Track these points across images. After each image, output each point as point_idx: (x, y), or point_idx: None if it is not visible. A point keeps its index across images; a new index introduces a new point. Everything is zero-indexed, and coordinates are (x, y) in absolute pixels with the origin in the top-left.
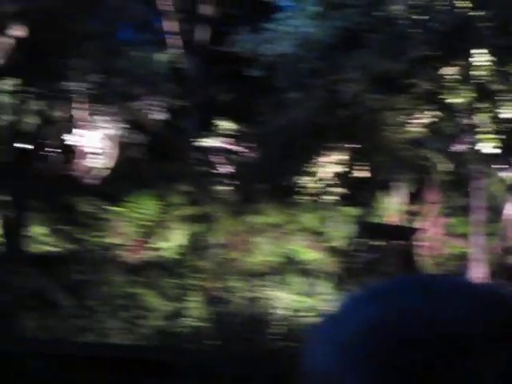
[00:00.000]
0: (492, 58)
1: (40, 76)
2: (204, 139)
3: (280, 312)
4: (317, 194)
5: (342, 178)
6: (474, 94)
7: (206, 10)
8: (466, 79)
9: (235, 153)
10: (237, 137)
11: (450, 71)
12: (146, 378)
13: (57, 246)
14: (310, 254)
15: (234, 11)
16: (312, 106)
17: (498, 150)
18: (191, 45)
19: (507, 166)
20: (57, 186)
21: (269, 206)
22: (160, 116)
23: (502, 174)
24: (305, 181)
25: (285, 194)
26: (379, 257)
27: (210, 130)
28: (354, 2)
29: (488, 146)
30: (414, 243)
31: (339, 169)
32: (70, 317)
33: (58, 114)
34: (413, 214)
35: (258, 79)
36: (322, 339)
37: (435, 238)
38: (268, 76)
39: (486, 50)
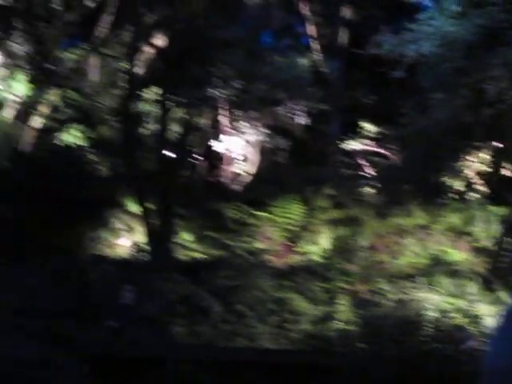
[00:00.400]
0: None
1: (183, 84)
2: (347, 142)
3: (429, 313)
4: (462, 194)
5: (488, 177)
6: None
7: (347, 13)
8: None
9: (379, 155)
10: (380, 139)
11: None
12: (297, 382)
13: (204, 253)
14: (457, 254)
15: (375, 13)
16: (456, 106)
17: None
18: (333, 48)
19: None
20: (203, 193)
21: (414, 207)
22: (302, 120)
23: None
24: (450, 181)
25: (430, 195)
26: None
27: (353, 133)
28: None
29: None
30: None
31: (484, 168)
32: (219, 322)
33: (201, 121)
34: None
35: (401, 80)
36: (500, 337)
37: None
38: (410, 77)
39: None
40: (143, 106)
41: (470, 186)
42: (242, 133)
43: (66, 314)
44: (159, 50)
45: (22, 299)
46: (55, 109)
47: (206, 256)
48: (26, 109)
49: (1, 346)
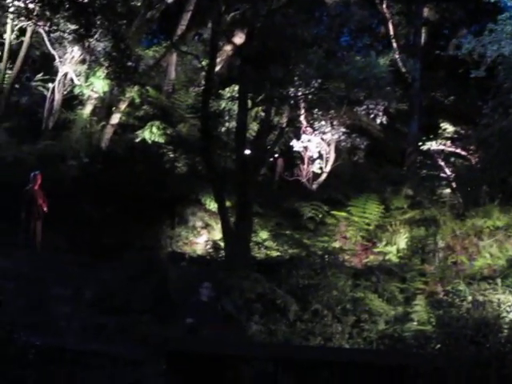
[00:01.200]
0: None
1: (262, 82)
2: (426, 142)
3: (506, 315)
4: None
5: None
6: None
7: (427, 13)
8: None
9: (458, 155)
10: (459, 139)
11: None
12: (372, 382)
13: (281, 251)
14: None
15: (455, 13)
16: None
17: None
18: (412, 48)
19: None
20: (280, 191)
21: (493, 208)
22: (381, 120)
23: None
24: None
25: (509, 196)
26: None
27: (431, 133)
28: None
29: None
30: None
31: None
32: (294, 321)
33: (280, 119)
34: None
35: (480, 81)
36: None
37: None
38: (490, 77)
39: None
40: (222, 104)
41: None
42: (320, 132)
43: (145, 310)
44: (238, 47)
45: (101, 296)
46: (134, 106)
47: (282, 254)
48: (105, 105)
49: (80, 342)
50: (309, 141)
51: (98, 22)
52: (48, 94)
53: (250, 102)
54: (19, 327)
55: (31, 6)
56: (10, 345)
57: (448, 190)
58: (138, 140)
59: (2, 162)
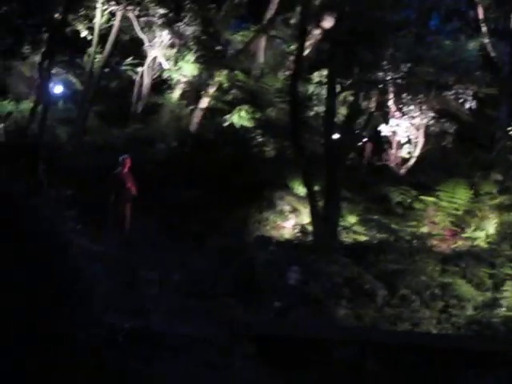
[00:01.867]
0: None
1: (350, 66)
2: None
3: None
4: None
5: None
6: None
7: None
8: None
9: None
10: None
11: None
12: (461, 369)
13: (369, 236)
14: None
15: None
16: None
17: None
18: (502, 32)
19: None
20: (369, 176)
21: None
22: (470, 104)
23: None
24: None
25: None
26: None
27: None
28: None
29: None
30: None
31: None
32: (382, 305)
33: (369, 104)
34: None
35: None
36: None
37: None
38: None
39: None
40: (310, 89)
41: None
42: (409, 116)
43: (232, 294)
44: (327, 31)
45: (188, 279)
46: (223, 90)
47: (370, 239)
48: (194, 90)
49: (168, 325)
50: (397, 125)
51: (187, 7)
52: (137, 79)
53: (338, 87)
54: (108, 310)
55: None
56: (100, 327)
57: None
58: (226, 124)
59: (92, 146)
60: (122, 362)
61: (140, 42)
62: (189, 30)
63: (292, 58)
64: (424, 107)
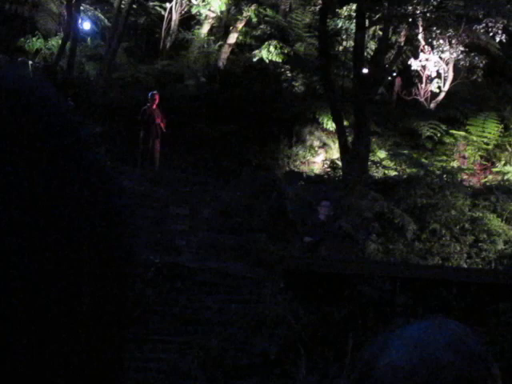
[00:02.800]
0: None
1: (379, 1)
2: None
3: None
4: None
5: None
6: None
7: None
8: None
9: None
10: None
11: None
12: (492, 303)
13: (399, 171)
14: None
15: None
16: None
17: None
18: None
19: None
20: (398, 111)
21: None
22: (500, 38)
23: None
24: None
25: None
26: None
27: None
28: None
29: None
30: None
31: None
32: (413, 240)
33: (398, 38)
34: None
35: None
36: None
37: None
38: None
39: None
40: (339, 23)
41: None
42: (439, 50)
43: (262, 229)
44: None
45: (218, 215)
46: (251, 25)
47: (400, 174)
48: (223, 25)
49: (198, 260)
50: (427, 60)
51: None
52: (165, 14)
53: (367, 21)
54: (139, 245)
55: None
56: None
57: None
58: (255, 59)
59: (121, 82)
60: (154, 297)
61: None
62: None
63: None
64: (453, 41)
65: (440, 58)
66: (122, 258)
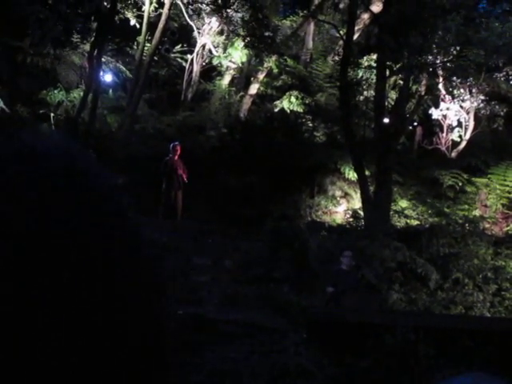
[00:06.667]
0: None
1: (400, 50)
2: None
3: None
4: None
5: None
6: None
7: None
8: None
9: None
10: None
11: None
12: None
13: (421, 220)
14: None
15: None
16: None
17: None
18: None
19: None
20: (420, 160)
21: None
22: None
23: None
24: None
25: None
26: None
27: None
28: None
29: None
30: None
31: None
32: (435, 289)
33: (418, 87)
34: None
35: None
36: None
37: None
38: None
39: None
40: (360, 73)
41: None
42: (459, 99)
43: (284, 280)
44: (376, 15)
45: (241, 265)
46: (272, 76)
47: (422, 223)
48: (244, 76)
49: (221, 311)
50: (448, 109)
51: None
52: (187, 66)
53: (388, 71)
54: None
55: None
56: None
57: None
58: (276, 110)
59: (143, 134)
60: (175, 349)
61: (189, 29)
62: (237, 16)
63: (341, 42)
64: (474, 90)
65: (461, 106)
66: (161, 312)
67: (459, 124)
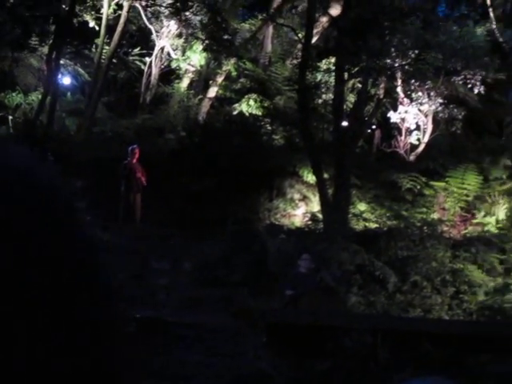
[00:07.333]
0: None
1: (358, 54)
2: None
3: None
4: None
5: None
6: None
7: None
8: None
9: None
10: None
11: None
12: (473, 354)
13: (379, 223)
14: None
15: None
16: None
17: None
18: (509, 17)
19: None
20: (378, 163)
21: None
22: (478, 90)
23: None
24: None
25: None
26: None
27: None
28: None
29: None
30: None
31: None
32: (394, 292)
33: (377, 91)
34: None
35: None
36: None
37: None
38: None
39: None
40: (318, 76)
41: None
42: (418, 103)
43: (243, 283)
44: (334, 19)
45: (199, 268)
46: (231, 79)
47: (381, 226)
48: (202, 79)
49: (179, 314)
50: (406, 112)
51: None
52: (145, 69)
53: (346, 74)
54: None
55: None
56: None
57: None
58: (235, 113)
59: (102, 137)
60: (133, 352)
61: (148, 32)
62: (196, 19)
63: (300, 46)
64: (432, 93)
65: (419, 110)
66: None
67: (417, 127)
